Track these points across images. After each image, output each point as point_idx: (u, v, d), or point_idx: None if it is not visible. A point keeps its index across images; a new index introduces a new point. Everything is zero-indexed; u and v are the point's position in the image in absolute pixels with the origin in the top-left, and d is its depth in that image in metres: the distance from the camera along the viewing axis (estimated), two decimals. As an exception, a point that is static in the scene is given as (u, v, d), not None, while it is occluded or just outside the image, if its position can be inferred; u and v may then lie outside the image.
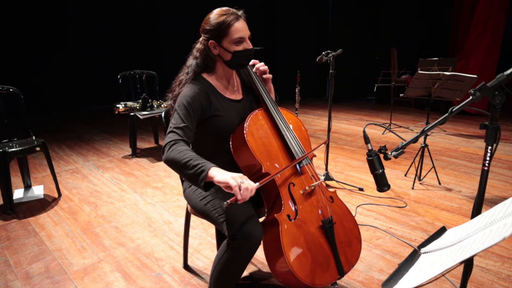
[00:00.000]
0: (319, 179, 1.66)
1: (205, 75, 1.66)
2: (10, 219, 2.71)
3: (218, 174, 1.29)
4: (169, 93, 1.70)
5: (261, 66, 1.76)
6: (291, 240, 1.47)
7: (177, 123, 1.50)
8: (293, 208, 1.55)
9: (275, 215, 1.49)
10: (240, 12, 1.58)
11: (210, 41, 1.58)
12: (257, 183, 1.34)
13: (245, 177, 1.32)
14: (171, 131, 1.48)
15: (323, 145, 1.63)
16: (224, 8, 1.58)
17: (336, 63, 3.13)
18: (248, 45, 1.59)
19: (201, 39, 1.63)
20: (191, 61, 1.66)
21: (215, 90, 1.65)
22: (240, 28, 1.55)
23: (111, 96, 6.14)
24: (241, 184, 1.25)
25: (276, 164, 1.58)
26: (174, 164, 1.38)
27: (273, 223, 1.51)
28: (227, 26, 1.53)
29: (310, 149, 1.73)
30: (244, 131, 1.57)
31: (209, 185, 1.35)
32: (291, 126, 1.70)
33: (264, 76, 1.77)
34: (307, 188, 1.60)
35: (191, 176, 1.34)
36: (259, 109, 1.69)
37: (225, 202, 1.28)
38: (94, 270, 2.10)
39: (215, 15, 1.56)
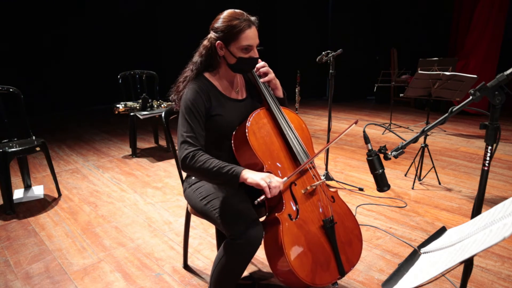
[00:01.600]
0: (320, 179, 1.66)
1: (207, 75, 1.66)
2: (10, 219, 2.72)
3: (249, 176, 1.42)
4: (173, 86, 1.70)
5: (261, 68, 1.75)
6: (292, 240, 1.47)
7: (187, 131, 1.52)
8: (294, 208, 1.55)
9: (276, 214, 1.50)
10: (253, 19, 1.56)
11: (218, 41, 1.56)
12: (285, 178, 1.48)
13: (272, 175, 1.44)
14: (184, 141, 1.51)
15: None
16: (238, 11, 1.55)
17: (336, 63, 3.13)
18: (254, 53, 1.58)
19: (209, 36, 1.61)
20: (196, 58, 1.66)
21: (216, 90, 1.65)
22: (251, 36, 1.53)
23: (111, 96, 6.14)
24: (270, 184, 1.39)
25: (277, 163, 1.59)
26: (201, 173, 1.47)
27: (274, 223, 1.51)
28: (238, 31, 1.51)
29: (311, 148, 1.74)
30: (246, 130, 1.57)
31: (241, 185, 1.46)
32: (293, 126, 1.70)
33: (265, 78, 1.75)
34: (308, 187, 1.60)
35: (224, 181, 1.46)
36: (261, 108, 1.69)
37: (255, 201, 1.42)
38: (94, 270, 2.10)
39: (228, 16, 1.53)
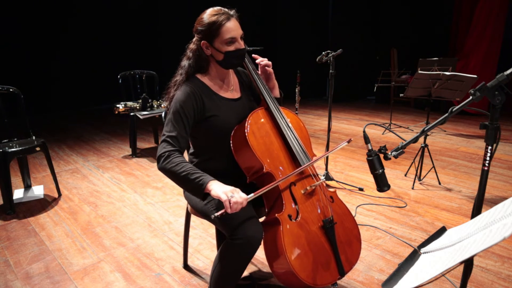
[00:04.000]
0: (319, 179, 1.66)
1: (199, 76, 1.66)
2: (10, 219, 2.72)
3: (213, 188, 1.37)
4: (165, 94, 1.71)
5: (262, 61, 1.76)
6: (292, 240, 1.47)
7: (169, 130, 1.53)
8: (294, 208, 1.55)
9: (276, 214, 1.49)
10: (232, 12, 1.57)
11: (203, 41, 1.57)
12: (251, 195, 1.39)
13: (237, 190, 1.37)
14: (164, 140, 1.52)
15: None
16: (216, 8, 1.57)
17: (336, 63, 3.13)
18: (240, 45, 1.58)
19: (194, 39, 1.63)
20: (184, 62, 1.66)
21: (210, 90, 1.64)
22: (232, 28, 1.53)
23: (111, 96, 6.14)
24: (231, 199, 1.32)
25: (277, 163, 1.58)
26: (171, 175, 1.45)
27: (274, 223, 1.51)
28: (218, 26, 1.52)
29: (310, 148, 1.74)
30: (246, 130, 1.56)
31: (207, 194, 1.41)
32: (292, 126, 1.70)
33: (266, 68, 1.76)
34: (308, 188, 1.60)
35: (190, 188, 1.43)
36: (260, 108, 1.68)
37: (212, 215, 1.35)
38: (94, 270, 2.10)
39: (207, 15, 1.56)
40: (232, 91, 1.72)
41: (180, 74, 1.65)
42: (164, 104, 4.18)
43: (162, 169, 1.47)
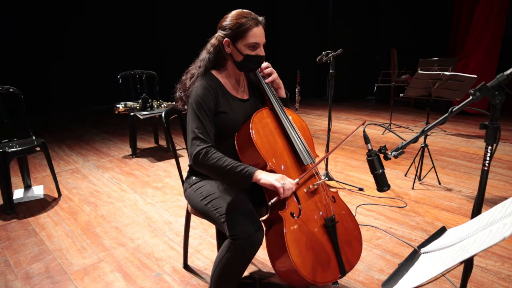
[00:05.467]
0: (321, 178, 1.67)
1: (214, 72, 1.67)
2: (10, 219, 2.72)
3: (263, 177, 1.44)
4: (178, 84, 1.71)
5: (266, 68, 1.77)
6: (294, 238, 1.48)
7: (198, 127, 1.53)
8: (297, 206, 1.55)
9: (279, 212, 1.50)
10: (261, 18, 1.60)
11: (226, 39, 1.59)
12: (297, 180, 1.51)
13: (285, 176, 1.47)
14: (196, 137, 1.52)
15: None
16: (245, 11, 1.60)
17: (336, 63, 3.13)
18: (261, 51, 1.61)
19: (217, 34, 1.64)
20: (204, 55, 1.67)
21: (223, 88, 1.66)
22: (258, 34, 1.57)
23: (111, 96, 6.14)
24: (284, 185, 1.42)
25: (281, 162, 1.60)
26: (214, 169, 1.48)
27: (277, 220, 1.51)
28: (246, 29, 1.54)
29: (313, 148, 1.76)
30: (250, 129, 1.58)
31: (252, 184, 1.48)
32: (295, 125, 1.71)
33: (269, 78, 1.77)
34: (310, 186, 1.61)
35: (235, 180, 1.47)
36: (265, 108, 1.71)
37: (269, 202, 1.46)
38: (94, 270, 2.10)
39: (236, 15, 1.57)
40: (242, 92, 1.74)
41: (198, 67, 1.67)
42: (164, 104, 4.21)
43: (202, 165, 1.49)
